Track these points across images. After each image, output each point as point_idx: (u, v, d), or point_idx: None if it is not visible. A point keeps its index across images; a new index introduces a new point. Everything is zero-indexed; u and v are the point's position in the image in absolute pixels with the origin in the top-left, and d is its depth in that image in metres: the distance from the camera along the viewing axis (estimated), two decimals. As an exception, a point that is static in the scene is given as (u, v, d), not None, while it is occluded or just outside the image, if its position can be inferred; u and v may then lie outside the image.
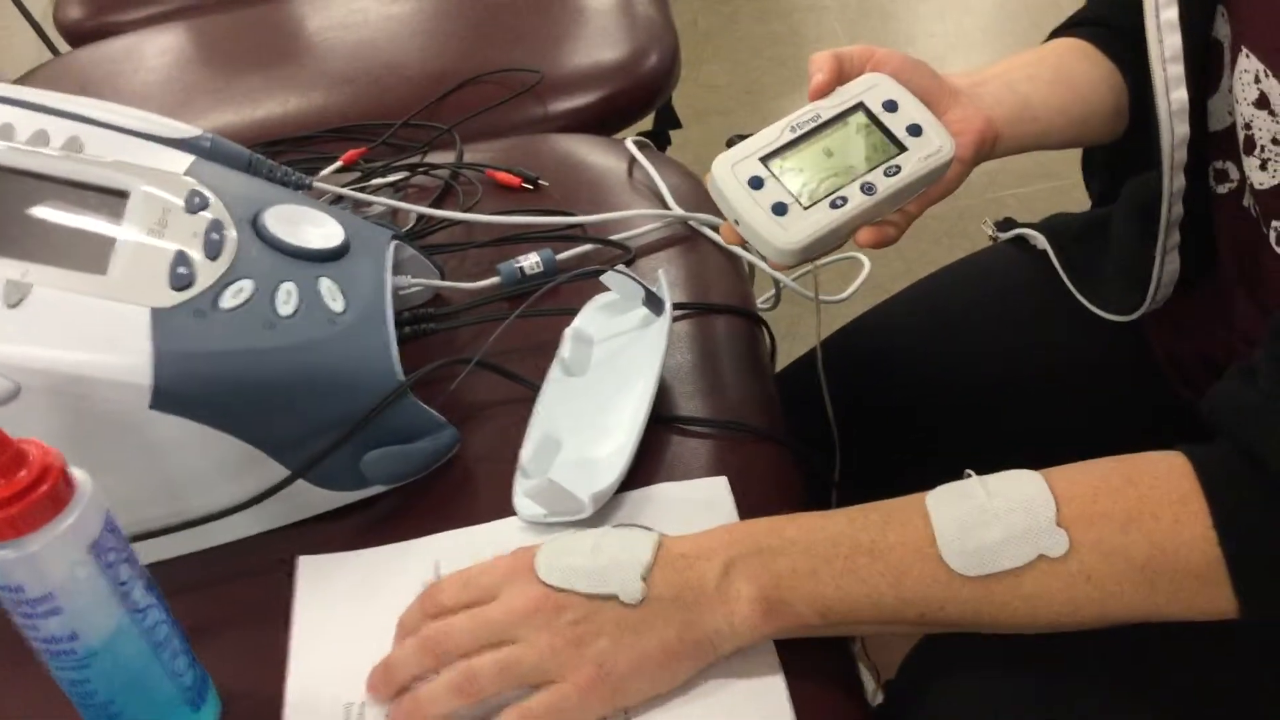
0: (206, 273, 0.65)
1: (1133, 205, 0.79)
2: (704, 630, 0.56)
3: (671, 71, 1.21)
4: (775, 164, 0.68)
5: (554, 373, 0.74)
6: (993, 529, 0.54)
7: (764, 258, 0.69)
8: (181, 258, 0.65)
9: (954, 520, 0.55)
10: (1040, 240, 0.89)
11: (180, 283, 0.64)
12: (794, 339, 0.80)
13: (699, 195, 0.91)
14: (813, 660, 0.59)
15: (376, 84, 1.17)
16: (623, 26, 1.23)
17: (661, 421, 0.71)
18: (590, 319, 0.77)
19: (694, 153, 2.35)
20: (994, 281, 0.92)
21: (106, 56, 1.36)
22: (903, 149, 0.68)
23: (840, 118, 0.69)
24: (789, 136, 0.68)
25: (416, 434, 0.69)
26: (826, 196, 0.67)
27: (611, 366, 0.74)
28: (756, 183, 0.67)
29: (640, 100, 1.18)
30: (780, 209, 0.66)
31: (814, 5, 2.86)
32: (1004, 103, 0.72)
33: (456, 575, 0.59)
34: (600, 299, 0.78)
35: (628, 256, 0.85)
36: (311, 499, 0.68)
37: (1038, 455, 0.58)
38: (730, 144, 0.69)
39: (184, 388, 0.61)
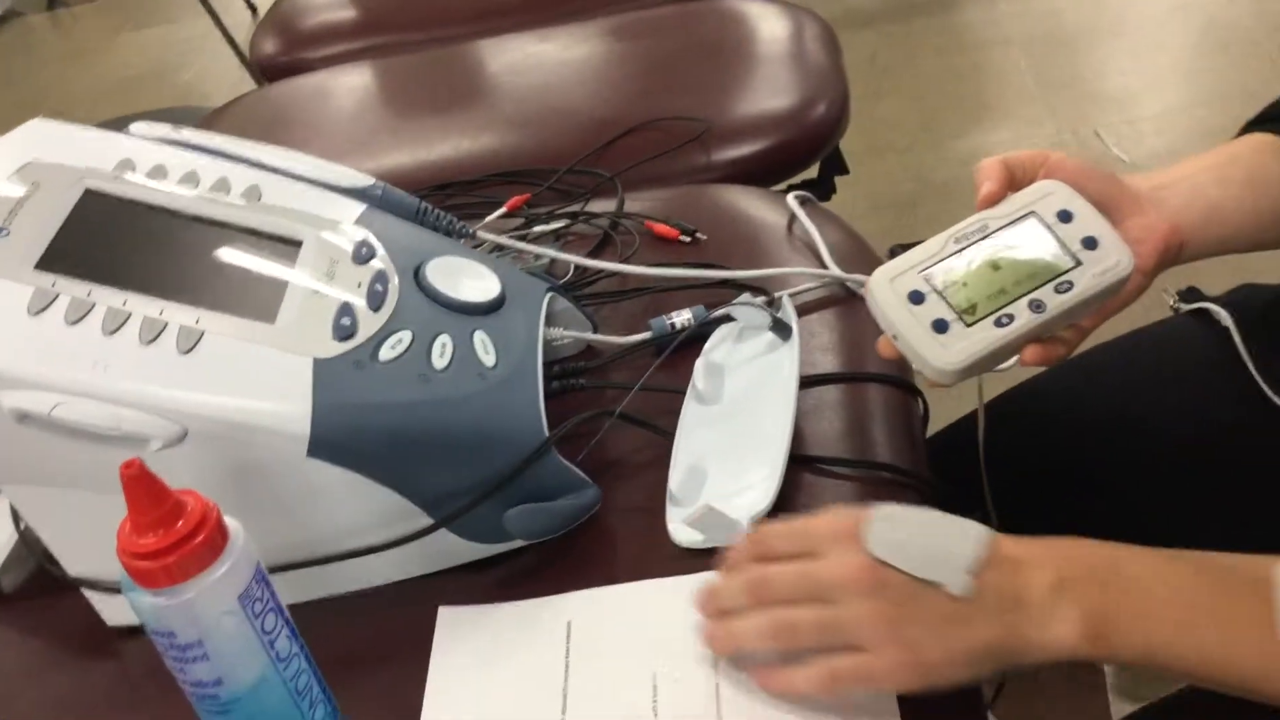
0: (368, 323, 0.67)
1: None
2: (1021, 638, 0.56)
3: (840, 121, 1.19)
4: (937, 278, 0.64)
5: (690, 403, 0.76)
6: None
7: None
8: (345, 308, 0.67)
9: None
10: (1225, 317, 0.84)
11: (343, 333, 0.66)
12: (948, 398, 0.77)
13: (859, 254, 0.89)
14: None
15: (545, 129, 1.20)
16: (792, 75, 1.22)
17: (801, 461, 0.71)
18: (719, 348, 0.79)
19: (866, 189, 2.33)
20: (1170, 360, 0.87)
21: (296, 93, 1.43)
22: (1077, 263, 0.64)
23: (1009, 228, 0.65)
24: (953, 248, 0.65)
25: (559, 491, 0.69)
26: (991, 313, 0.63)
27: (745, 393, 0.75)
28: (917, 297, 0.63)
29: (806, 150, 1.17)
30: (941, 326, 0.63)
31: (998, 39, 2.78)
32: (1192, 207, 0.68)
33: (785, 525, 0.61)
34: (725, 329, 0.80)
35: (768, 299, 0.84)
36: (455, 549, 0.69)
37: (1199, 538, 0.56)
38: (892, 254, 0.66)
39: (340, 438, 0.63)
